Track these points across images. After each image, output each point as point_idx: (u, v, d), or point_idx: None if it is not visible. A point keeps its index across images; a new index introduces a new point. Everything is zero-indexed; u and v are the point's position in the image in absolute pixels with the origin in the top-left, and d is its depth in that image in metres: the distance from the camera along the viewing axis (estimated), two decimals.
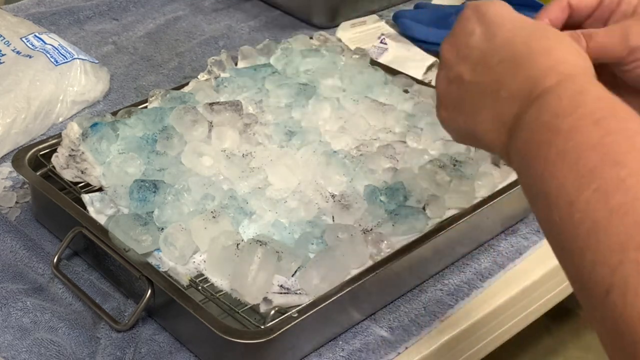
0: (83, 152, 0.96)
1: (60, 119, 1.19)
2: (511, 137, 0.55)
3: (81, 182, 0.96)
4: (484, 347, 0.95)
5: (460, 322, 0.89)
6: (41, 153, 1.00)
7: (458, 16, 0.62)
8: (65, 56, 1.21)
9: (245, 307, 0.80)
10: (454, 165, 0.97)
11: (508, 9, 0.61)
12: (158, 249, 0.85)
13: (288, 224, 0.87)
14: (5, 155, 1.11)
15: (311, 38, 1.22)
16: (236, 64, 1.16)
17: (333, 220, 0.89)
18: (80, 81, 1.21)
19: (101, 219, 0.89)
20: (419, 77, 1.26)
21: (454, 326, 0.89)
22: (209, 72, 1.13)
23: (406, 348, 0.85)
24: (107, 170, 0.93)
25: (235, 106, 1.01)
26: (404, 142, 1.01)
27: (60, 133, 1.00)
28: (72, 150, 0.96)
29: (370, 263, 0.84)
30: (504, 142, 0.56)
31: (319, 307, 0.78)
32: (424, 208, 0.91)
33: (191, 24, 1.50)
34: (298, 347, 0.81)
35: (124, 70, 1.34)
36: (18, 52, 1.20)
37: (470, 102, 0.59)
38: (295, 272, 0.82)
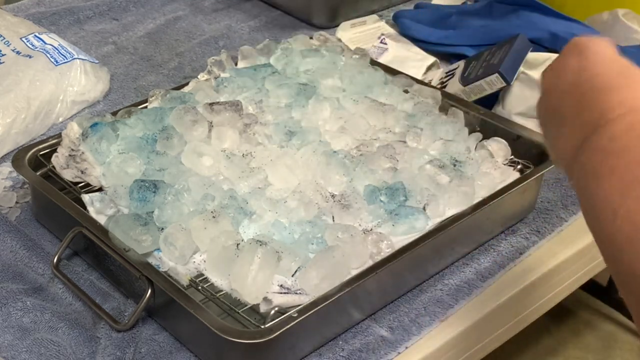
0: (83, 152, 0.96)
1: (60, 119, 1.19)
2: (575, 158, 0.62)
3: (81, 182, 0.96)
4: (484, 347, 0.95)
5: (460, 322, 0.89)
6: (41, 153, 1.00)
7: (564, 48, 0.70)
8: (65, 56, 1.21)
9: (245, 307, 0.80)
10: (454, 165, 0.97)
11: (607, 47, 0.67)
12: (158, 249, 0.85)
13: (288, 224, 0.87)
14: (5, 155, 1.11)
15: (311, 38, 1.21)
16: (236, 64, 1.16)
17: (333, 220, 0.89)
18: (80, 81, 1.21)
19: (101, 219, 0.89)
20: (419, 77, 1.26)
21: (454, 326, 0.89)
22: (209, 72, 1.13)
23: (406, 348, 0.85)
24: (107, 170, 0.93)
25: (235, 106, 1.01)
26: (404, 142, 1.01)
27: (60, 133, 1.00)
28: (72, 150, 0.96)
29: (370, 263, 0.84)
30: (569, 162, 0.63)
31: (319, 307, 0.78)
32: (424, 208, 0.91)
33: (191, 24, 1.50)
34: (298, 347, 0.81)
35: (124, 70, 1.34)
36: (18, 52, 1.20)
37: (556, 123, 0.67)
38: (295, 272, 0.82)
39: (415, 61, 1.31)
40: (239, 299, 0.80)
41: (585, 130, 0.61)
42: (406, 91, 1.12)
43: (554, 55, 1.19)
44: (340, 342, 0.84)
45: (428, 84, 1.16)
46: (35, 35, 1.24)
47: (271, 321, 0.77)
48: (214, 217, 0.84)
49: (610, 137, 0.58)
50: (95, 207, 0.90)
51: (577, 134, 0.62)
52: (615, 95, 0.61)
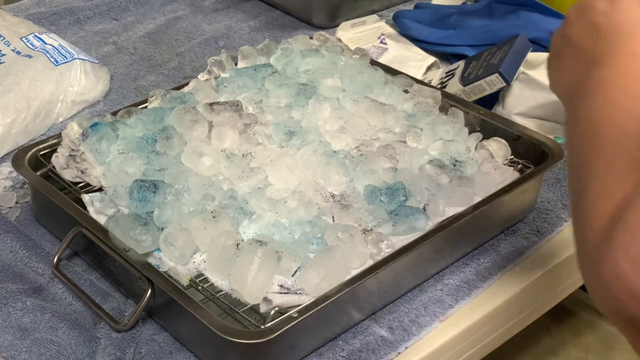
0: (83, 152, 0.96)
1: (60, 119, 1.19)
2: (576, 85, 0.67)
3: (81, 182, 0.96)
4: (484, 347, 0.95)
5: (460, 322, 0.89)
6: (41, 153, 1.00)
7: None
8: (65, 56, 1.21)
9: (245, 307, 0.80)
10: (454, 165, 0.97)
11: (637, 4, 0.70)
12: (158, 249, 0.85)
13: (288, 224, 0.87)
14: (5, 155, 1.11)
15: (311, 38, 1.21)
16: (236, 64, 1.16)
17: (333, 220, 0.89)
18: (80, 81, 1.21)
19: (101, 219, 0.89)
20: (419, 77, 1.26)
21: (454, 326, 0.89)
22: (209, 72, 1.13)
23: (406, 348, 0.85)
24: (107, 170, 0.93)
25: (235, 106, 1.01)
26: (404, 142, 1.01)
27: (60, 133, 1.00)
28: (72, 150, 0.96)
29: (370, 263, 0.84)
30: (569, 91, 0.69)
31: (319, 307, 0.78)
32: (424, 208, 0.91)
33: (191, 24, 1.50)
34: (298, 347, 0.81)
35: (124, 70, 1.34)
36: (18, 52, 1.20)
37: (569, 52, 0.71)
38: (295, 272, 0.82)
39: (415, 61, 1.31)
40: (239, 299, 0.80)
41: (593, 62, 0.65)
42: (406, 91, 1.12)
43: None
44: (340, 342, 0.84)
45: (428, 84, 1.16)
46: (35, 35, 1.24)
47: (271, 321, 0.77)
48: (214, 217, 0.84)
49: (613, 71, 0.62)
50: (95, 207, 0.90)
51: (585, 64, 0.66)
52: (632, 42, 0.64)
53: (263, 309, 0.80)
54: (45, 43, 1.23)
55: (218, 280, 0.82)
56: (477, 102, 1.17)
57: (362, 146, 1.00)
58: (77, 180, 0.96)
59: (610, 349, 1.85)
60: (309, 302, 0.79)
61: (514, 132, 1.06)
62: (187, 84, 1.12)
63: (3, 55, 1.19)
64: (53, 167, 0.98)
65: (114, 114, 1.03)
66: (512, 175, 0.99)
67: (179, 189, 0.89)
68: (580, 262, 0.56)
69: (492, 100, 1.19)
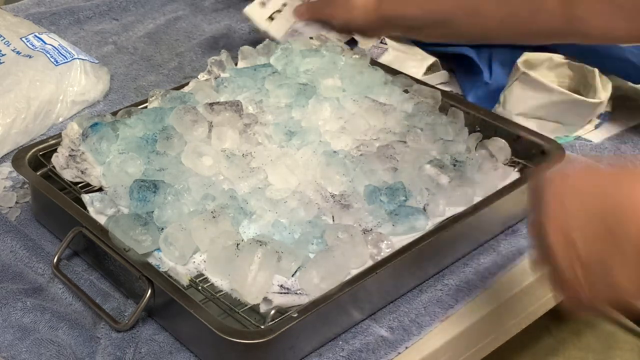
0: (83, 152, 0.96)
1: (60, 119, 1.19)
2: None
3: (81, 182, 0.96)
4: (484, 347, 0.95)
5: (460, 322, 0.89)
6: (41, 153, 1.00)
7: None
8: (65, 56, 1.21)
9: (245, 307, 0.80)
10: (454, 165, 0.97)
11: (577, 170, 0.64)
12: (158, 249, 0.85)
13: (288, 224, 0.87)
14: (5, 155, 1.11)
15: (311, 38, 1.21)
16: (236, 64, 1.16)
17: (333, 220, 0.89)
18: (80, 81, 1.21)
19: (101, 219, 0.89)
20: (419, 77, 1.26)
21: (454, 326, 0.89)
22: (209, 72, 1.13)
23: (406, 348, 0.85)
24: (107, 170, 0.93)
25: (235, 106, 1.01)
26: (404, 142, 1.01)
27: (60, 133, 1.00)
28: (72, 150, 0.96)
29: (370, 263, 0.84)
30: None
31: (319, 307, 0.78)
32: (424, 208, 0.91)
33: (191, 24, 1.50)
34: (298, 347, 0.81)
35: (124, 70, 1.34)
36: (18, 52, 1.20)
37: (599, 265, 0.61)
38: (295, 272, 0.82)
39: (415, 61, 1.31)
40: (239, 299, 0.80)
41: None
42: (406, 91, 1.12)
43: (555, 55, 1.19)
44: (340, 342, 0.84)
45: (428, 84, 1.16)
46: (35, 35, 1.24)
47: (271, 321, 0.77)
48: (214, 217, 0.84)
49: None
50: (95, 207, 0.91)
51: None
52: None
53: (263, 309, 0.80)
54: (45, 43, 1.23)
55: (218, 280, 0.82)
56: (477, 102, 1.17)
57: (362, 146, 1.00)
58: (77, 180, 0.96)
59: (610, 348, 1.85)
60: (309, 302, 0.79)
61: (514, 132, 1.06)
62: (187, 84, 1.12)
63: (3, 55, 1.19)
64: (53, 167, 0.98)
65: (114, 114, 1.03)
66: (512, 175, 0.99)
67: (179, 189, 0.89)
68: None
69: (492, 100, 1.19)
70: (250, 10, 1.30)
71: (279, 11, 1.28)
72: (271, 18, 1.27)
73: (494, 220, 0.99)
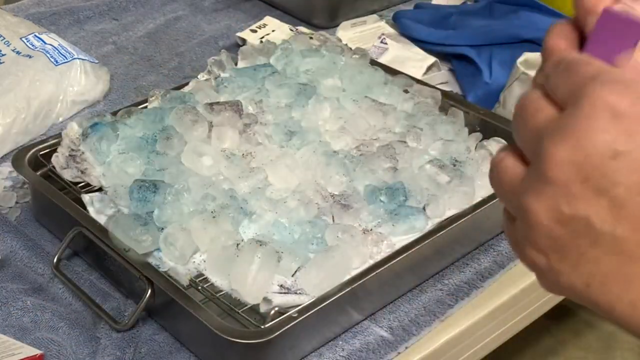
0: (83, 152, 0.96)
1: (60, 119, 1.19)
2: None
3: (81, 182, 0.96)
4: (484, 347, 0.95)
5: (460, 322, 0.89)
6: (41, 153, 1.00)
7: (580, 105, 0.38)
8: (65, 56, 1.21)
9: (245, 307, 0.80)
10: (454, 165, 0.97)
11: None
12: (158, 249, 0.85)
13: (288, 224, 0.87)
14: (5, 155, 1.11)
15: (311, 38, 1.21)
16: (236, 64, 1.16)
17: (333, 220, 0.89)
18: (80, 81, 1.21)
19: (101, 219, 0.89)
20: (419, 77, 1.26)
21: (454, 326, 0.89)
22: (209, 72, 1.13)
23: (406, 348, 0.85)
24: (107, 170, 0.93)
25: (235, 106, 1.01)
26: (404, 142, 1.01)
27: (60, 133, 1.00)
28: (72, 150, 0.96)
29: (370, 263, 0.84)
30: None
31: (319, 307, 0.78)
32: (424, 208, 0.91)
33: (191, 24, 1.50)
34: (298, 347, 0.81)
35: (124, 70, 1.34)
36: (18, 52, 1.20)
37: (607, 263, 0.39)
38: (295, 272, 0.82)
39: (415, 61, 1.31)
40: (239, 299, 0.80)
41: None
42: (406, 91, 1.12)
43: None
44: (340, 342, 0.84)
45: (428, 84, 1.16)
46: (35, 35, 1.24)
47: (271, 321, 0.77)
48: (214, 217, 0.84)
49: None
50: (95, 207, 0.90)
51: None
52: None
53: (263, 309, 0.80)
54: (45, 43, 1.23)
55: (218, 280, 0.82)
56: (478, 102, 1.17)
57: (362, 146, 1.00)
58: (77, 180, 0.96)
59: (610, 348, 1.85)
60: (309, 302, 0.79)
61: None
62: (187, 84, 1.12)
63: (3, 55, 1.19)
64: (53, 167, 0.98)
65: (114, 114, 1.03)
66: None
67: (179, 189, 0.89)
68: None
69: (492, 100, 1.19)
70: (243, 34, 1.39)
71: (268, 34, 1.37)
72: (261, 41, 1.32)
73: (494, 220, 0.99)
